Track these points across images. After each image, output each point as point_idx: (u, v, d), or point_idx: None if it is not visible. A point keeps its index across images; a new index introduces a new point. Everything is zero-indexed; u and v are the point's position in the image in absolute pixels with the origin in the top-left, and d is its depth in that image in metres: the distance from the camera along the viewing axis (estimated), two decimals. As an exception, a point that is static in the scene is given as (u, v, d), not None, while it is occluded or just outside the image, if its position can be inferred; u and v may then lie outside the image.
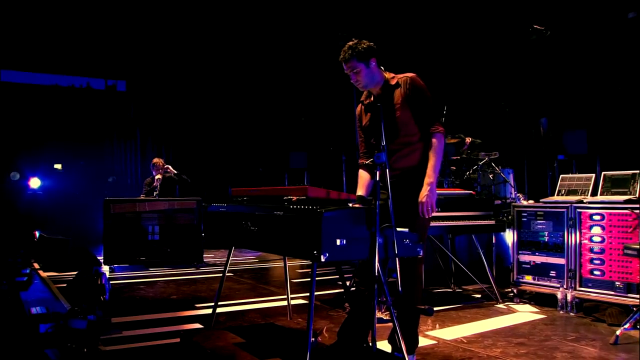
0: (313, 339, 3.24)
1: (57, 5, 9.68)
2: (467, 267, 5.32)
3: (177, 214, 7.53)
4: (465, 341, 3.68)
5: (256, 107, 12.37)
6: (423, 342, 3.56)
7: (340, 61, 3.10)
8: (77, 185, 11.03)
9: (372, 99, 3.24)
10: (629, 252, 3.76)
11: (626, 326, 3.60)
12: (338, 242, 2.31)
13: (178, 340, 3.59)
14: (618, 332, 3.58)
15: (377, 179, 2.57)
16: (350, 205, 2.69)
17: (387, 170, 2.62)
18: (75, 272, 3.52)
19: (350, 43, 3.06)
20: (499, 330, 3.99)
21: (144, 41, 11.15)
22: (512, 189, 6.07)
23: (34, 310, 3.85)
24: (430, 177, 3.05)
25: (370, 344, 2.60)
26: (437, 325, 4.08)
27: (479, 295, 5.24)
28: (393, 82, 3.14)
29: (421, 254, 2.62)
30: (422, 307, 2.40)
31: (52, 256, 7.05)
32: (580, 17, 7.33)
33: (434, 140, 3.09)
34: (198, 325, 4.08)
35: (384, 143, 2.68)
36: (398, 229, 2.52)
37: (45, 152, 11.01)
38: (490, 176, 6.02)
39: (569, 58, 7.88)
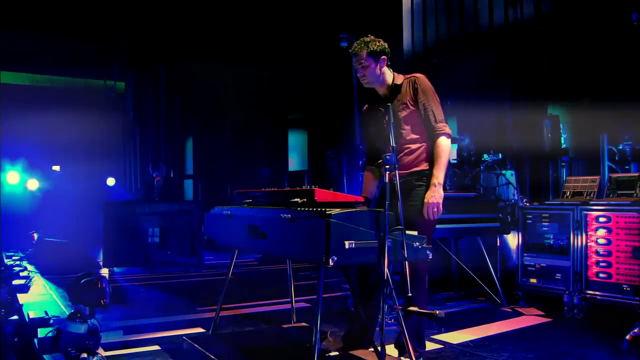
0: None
1: (59, 7, 9.65)
2: (471, 269, 5.26)
3: (176, 215, 7.45)
4: (472, 345, 3.63)
5: (255, 107, 12.33)
6: (430, 346, 3.50)
7: (350, 54, 3.08)
8: (76, 186, 10.95)
9: (377, 100, 3.20)
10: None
11: (636, 330, 3.54)
12: (347, 245, 2.24)
13: (180, 344, 3.52)
14: (627, 337, 3.52)
15: (387, 180, 2.52)
16: (358, 207, 2.63)
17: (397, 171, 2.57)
18: (74, 275, 3.46)
19: (365, 38, 3.07)
20: (505, 334, 3.94)
21: (143, 42, 11.10)
22: (515, 191, 6.01)
23: (32, 314, 3.79)
24: (436, 177, 3.01)
25: (380, 348, 2.54)
26: (443, 329, 4.02)
27: (483, 299, 5.18)
28: (399, 81, 3.11)
29: (430, 257, 2.56)
30: (433, 312, 2.33)
31: (51, 259, 6.97)
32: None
33: (439, 140, 3.05)
34: (200, 330, 4.02)
35: (393, 144, 2.63)
36: (407, 232, 2.46)
37: (43, 153, 10.94)
38: (495, 178, 5.97)
39: (569, 59, 7.84)
